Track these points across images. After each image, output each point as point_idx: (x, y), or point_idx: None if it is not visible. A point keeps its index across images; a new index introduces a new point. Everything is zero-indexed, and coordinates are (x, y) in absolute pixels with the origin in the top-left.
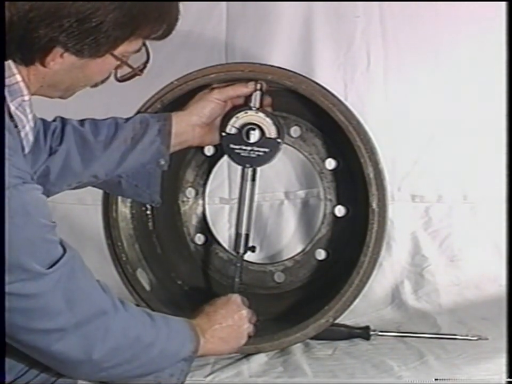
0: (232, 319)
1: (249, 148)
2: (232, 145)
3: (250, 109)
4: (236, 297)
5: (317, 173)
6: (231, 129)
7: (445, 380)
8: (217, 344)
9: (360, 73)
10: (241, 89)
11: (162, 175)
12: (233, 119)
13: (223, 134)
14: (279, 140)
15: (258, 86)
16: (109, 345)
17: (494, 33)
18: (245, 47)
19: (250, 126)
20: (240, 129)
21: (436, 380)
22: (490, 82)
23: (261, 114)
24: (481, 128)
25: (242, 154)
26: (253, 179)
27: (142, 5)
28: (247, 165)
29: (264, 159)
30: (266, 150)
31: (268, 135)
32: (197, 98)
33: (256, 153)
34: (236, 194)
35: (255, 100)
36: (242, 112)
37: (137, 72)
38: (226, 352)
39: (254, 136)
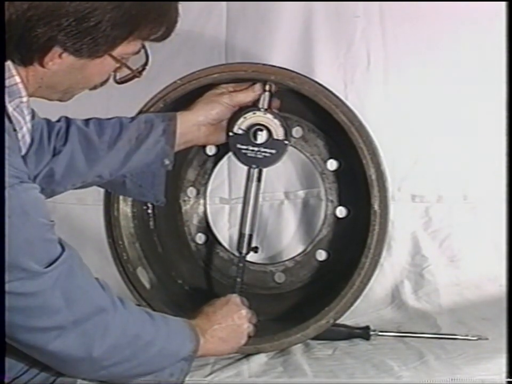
0: (231, 319)
1: (256, 149)
2: (239, 145)
3: (258, 109)
4: (236, 298)
5: (319, 174)
6: (238, 129)
7: (445, 379)
8: (217, 344)
9: (360, 73)
10: (252, 95)
11: (166, 175)
12: (241, 120)
13: (230, 134)
14: (286, 142)
15: (267, 87)
16: (108, 343)
17: (494, 33)
18: (245, 47)
19: (258, 127)
20: (247, 130)
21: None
22: (490, 82)
23: (269, 115)
24: (481, 128)
25: (249, 154)
26: (259, 180)
27: (140, 5)
28: (254, 166)
29: (271, 160)
30: (273, 151)
31: (275, 137)
32: (205, 99)
33: (263, 154)
34: (236, 194)
35: (264, 101)
36: (250, 113)
37: (136, 74)
38: (226, 352)
39: (262, 137)
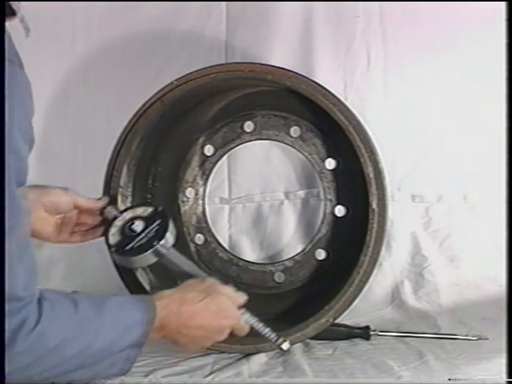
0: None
1: (143, 234)
2: (127, 247)
3: (115, 218)
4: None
5: (317, 173)
6: (114, 238)
7: (445, 379)
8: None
9: (360, 73)
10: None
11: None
12: (112, 230)
13: (113, 248)
14: (158, 208)
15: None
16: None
17: (493, 33)
18: (245, 47)
19: (128, 224)
20: (122, 231)
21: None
22: (490, 82)
23: (127, 212)
24: (481, 128)
25: (142, 243)
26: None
27: None
28: (155, 243)
29: (163, 228)
30: (157, 221)
31: (146, 215)
32: None
33: (152, 231)
34: (236, 194)
35: (112, 210)
36: (114, 222)
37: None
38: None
39: (138, 226)
